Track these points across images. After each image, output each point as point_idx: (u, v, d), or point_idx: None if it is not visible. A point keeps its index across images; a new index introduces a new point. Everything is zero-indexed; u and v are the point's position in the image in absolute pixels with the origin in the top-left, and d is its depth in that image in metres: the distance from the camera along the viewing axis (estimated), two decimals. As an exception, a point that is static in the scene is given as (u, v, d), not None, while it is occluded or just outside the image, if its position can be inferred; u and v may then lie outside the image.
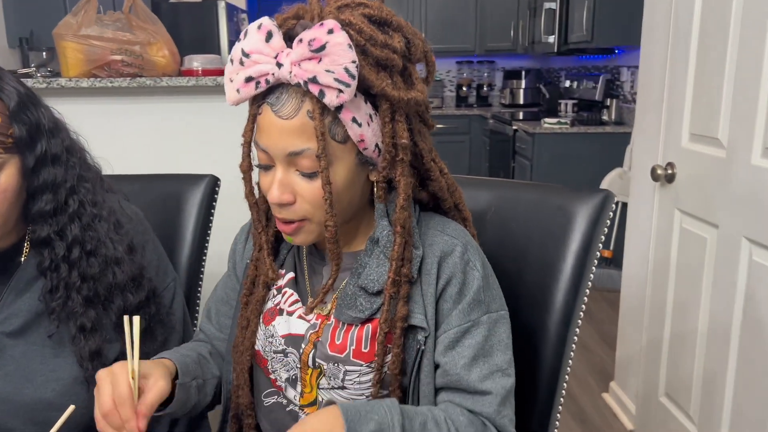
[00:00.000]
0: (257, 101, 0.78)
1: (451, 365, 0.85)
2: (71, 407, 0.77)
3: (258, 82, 0.75)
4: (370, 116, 0.78)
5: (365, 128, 0.78)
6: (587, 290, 1.07)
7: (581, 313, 1.07)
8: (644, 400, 2.15)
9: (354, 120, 0.76)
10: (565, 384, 1.07)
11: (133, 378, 0.74)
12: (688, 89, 1.82)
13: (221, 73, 2.17)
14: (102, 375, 0.77)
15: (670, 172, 1.91)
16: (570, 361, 1.08)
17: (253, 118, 0.79)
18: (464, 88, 5.67)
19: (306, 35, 0.72)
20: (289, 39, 0.76)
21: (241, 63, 0.75)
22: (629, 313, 2.29)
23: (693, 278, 1.83)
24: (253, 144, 0.81)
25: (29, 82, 2.08)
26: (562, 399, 1.08)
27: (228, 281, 1.03)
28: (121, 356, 0.84)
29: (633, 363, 2.27)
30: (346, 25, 0.74)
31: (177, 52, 2.18)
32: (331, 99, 0.73)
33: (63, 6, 3.29)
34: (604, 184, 3.47)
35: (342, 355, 0.85)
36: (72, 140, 0.96)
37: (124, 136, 2.17)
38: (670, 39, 1.93)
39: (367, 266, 0.86)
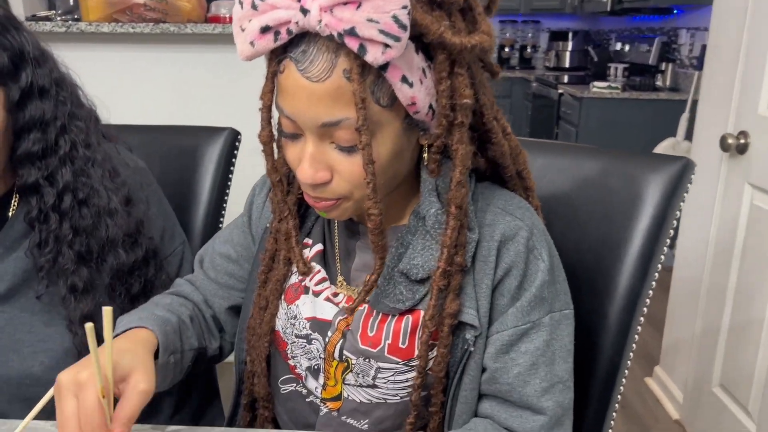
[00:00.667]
0: (277, 55, 0.62)
1: (503, 373, 0.71)
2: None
3: (277, 33, 0.58)
4: (423, 71, 0.62)
5: (417, 88, 0.61)
6: (656, 274, 0.92)
7: (647, 300, 0.92)
8: (694, 389, 1.99)
9: (404, 79, 0.60)
10: (623, 380, 0.93)
11: (104, 396, 0.58)
12: (770, 48, 1.61)
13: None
14: (64, 385, 0.59)
15: (742, 141, 1.70)
16: (631, 354, 0.93)
17: (272, 77, 0.63)
18: (506, 49, 5.41)
19: None
20: None
21: (254, 7, 0.58)
22: (682, 295, 2.12)
23: (762, 261, 1.64)
24: (275, 108, 0.65)
25: (47, 26, 1.97)
26: (619, 397, 0.94)
27: (237, 234, 0.88)
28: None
29: (682, 348, 2.11)
30: None
31: (203, -4, 2.04)
32: (374, 56, 0.56)
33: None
34: (656, 155, 3.25)
35: (375, 350, 0.71)
36: (62, 73, 0.84)
37: (143, 85, 2.04)
38: (752, -9, 1.71)
39: (410, 248, 0.71)
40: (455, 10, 0.62)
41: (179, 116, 1.84)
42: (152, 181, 0.95)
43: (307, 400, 0.79)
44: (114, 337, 0.70)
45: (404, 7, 0.55)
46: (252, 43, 0.60)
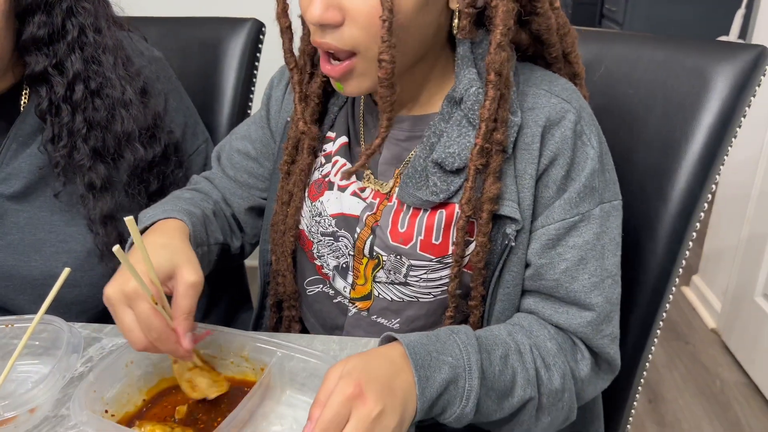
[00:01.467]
0: None
1: (549, 268, 0.65)
2: (66, 270, 0.62)
3: None
4: None
5: None
6: (717, 176, 0.85)
7: (705, 205, 0.85)
8: (735, 298, 1.94)
9: None
10: (673, 289, 0.88)
11: (156, 303, 0.56)
12: None
13: None
14: (114, 298, 0.57)
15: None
16: (683, 261, 0.88)
17: None
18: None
19: None
20: None
21: None
22: (727, 202, 2.02)
23: (822, 166, 1.54)
24: None
25: None
26: (667, 306, 0.90)
27: (255, 130, 0.83)
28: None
29: (724, 257, 2.04)
30: None
31: None
32: None
33: None
34: (706, 55, 3.04)
35: (407, 247, 0.67)
36: None
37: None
38: None
39: (445, 134, 0.65)
40: None
41: (198, 6, 1.74)
42: (171, 74, 0.89)
43: (335, 301, 0.76)
44: (142, 231, 0.67)
45: None
46: None
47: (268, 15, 1.12)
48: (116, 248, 0.53)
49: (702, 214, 0.85)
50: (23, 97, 0.79)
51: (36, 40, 0.72)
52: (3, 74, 0.75)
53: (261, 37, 1.09)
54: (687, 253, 0.86)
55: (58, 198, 0.78)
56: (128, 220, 0.54)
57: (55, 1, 0.73)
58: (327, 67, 0.62)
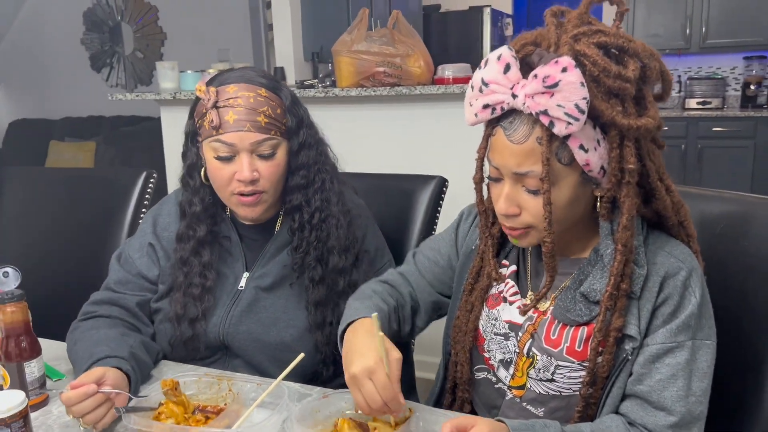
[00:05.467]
0: (492, 123, 0.87)
1: (647, 377, 0.86)
2: (301, 354, 0.96)
3: (494, 109, 0.84)
4: (598, 141, 0.83)
5: (591, 153, 0.82)
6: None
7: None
8: None
9: (581, 147, 0.82)
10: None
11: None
12: None
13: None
14: (359, 374, 0.84)
15: None
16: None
17: (487, 138, 0.89)
18: (752, 87, 4.99)
19: (541, 72, 0.78)
20: (526, 65, 0.83)
21: (480, 90, 0.84)
22: None
23: None
24: (486, 159, 0.91)
25: (311, 92, 2.48)
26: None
27: (444, 246, 1.12)
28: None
29: None
30: (580, 56, 0.78)
31: (431, 62, 2.39)
32: (560, 129, 0.79)
33: (347, 26, 3.77)
34: None
35: (556, 350, 0.91)
36: (320, 135, 1.21)
37: (381, 137, 2.45)
38: None
39: (590, 276, 0.90)
40: (628, 98, 0.82)
41: (403, 163, 2.19)
42: (369, 215, 1.28)
43: (496, 386, 1.00)
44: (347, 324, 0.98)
45: (584, 98, 0.77)
46: (476, 114, 0.86)
47: (450, 173, 1.49)
48: (374, 315, 0.86)
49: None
50: (278, 223, 1.22)
51: (299, 186, 1.16)
52: (272, 206, 1.18)
53: (444, 189, 1.45)
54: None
55: (291, 287, 1.17)
56: (374, 316, 0.87)
57: (312, 164, 1.16)
58: (508, 231, 0.92)
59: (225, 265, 1.19)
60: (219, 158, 1.09)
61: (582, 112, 0.77)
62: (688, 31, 4.89)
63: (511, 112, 0.83)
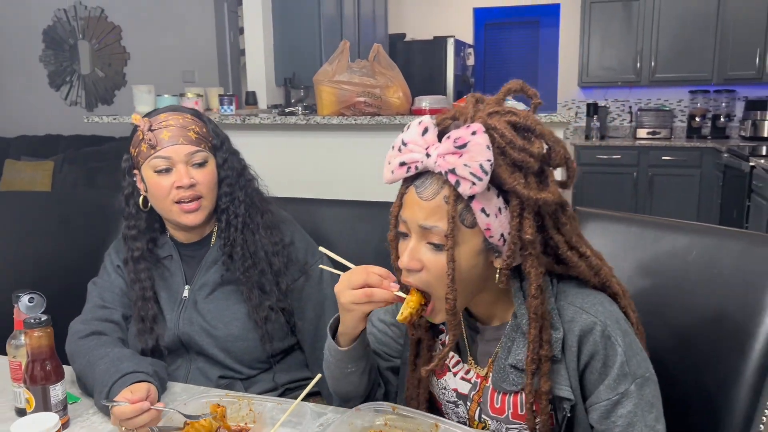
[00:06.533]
0: (406, 182, 0.91)
1: (608, 430, 0.92)
2: (319, 375, 1.02)
3: (409, 167, 0.88)
4: (500, 209, 0.87)
5: (492, 219, 0.86)
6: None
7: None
8: None
9: (483, 210, 0.86)
10: (761, 434, 1.08)
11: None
12: None
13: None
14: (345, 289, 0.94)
15: None
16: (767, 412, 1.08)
17: (401, 196, 0.93)
18: (697, 119, 5.31)
19: (453, 134, 0.85)
20: (443, 134, 0.88)
21: (399, 150, 0.89)
22: None
23: None
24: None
25: (293, 119, 2.55)
26: (756, 449, 1.09)
27: (386, 313, 1.15)
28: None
29: None
30: (491, 129, 0.84)
31: (409, 93, 2.50)
32: (464, 189, 0.83)
33: (319, 54, 3.87)
34: None
35: (502, 417, 0.98)
36: (243, 162, 1.36)
37: (360, 164, 2.53)
38: None
39: (515, 343, 0.94)
40: (531, 173, 0.86)
41: (387, 189, 2.28)
42: (296, 225, 1.40)
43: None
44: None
45: (488, 160, 0.82)
46: (392, 172, 0.90)
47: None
48: (321, 248, 0.99)
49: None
50: (212, 239, 1.34)
51: (225, 193, 1.30)
52: (206, 223, 1.31)
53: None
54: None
55: (227, 286, 1.31)
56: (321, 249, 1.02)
57: (236, 177, 1.31)
58: (408, 284, 0.92)
59: (165, 283, 1.33)
60: (158, 171, 1.24)
61: (485, 172, 0.82)
62: (638, 65, 5.18)
63: (425, 172, 0.88)
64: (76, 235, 1.72)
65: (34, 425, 0.89)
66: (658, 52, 5.13)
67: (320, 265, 1.10)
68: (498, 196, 0.87)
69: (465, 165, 0.83)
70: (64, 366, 1.05)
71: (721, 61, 4.99)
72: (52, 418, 0.91)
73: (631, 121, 5.58)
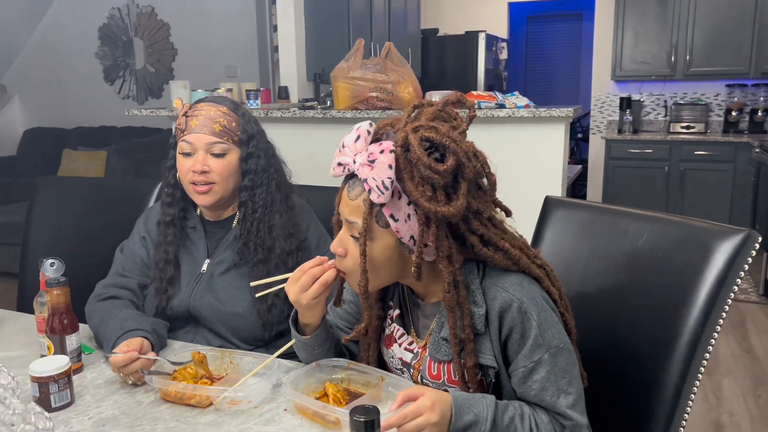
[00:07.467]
0: (345, 180, 1.03)
1: (526, 393, 1.05)
2: (293, 340, 1.18)
3: (343, 168, 1.00)
4: (409, 215, 0.97)
5: (402, 223, 0.97)
6: (720, 320, 1.17)
7: (713, 340, 1.17)
8: None
9: (392, 216, 0.97)
10: (690, 403, 1.19)
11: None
12: None
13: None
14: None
15: None
16: (697, 383, 1.19)
17: (340, 190, 1.04)
18: (734, 113, 5.23)
19: (371, 147, 0.96)
20: (377, 140, 0.98)
21: (340, 150, 1.00)
22: None
23: None
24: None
25: (311, 113, 2.73)
26: (686, 416, 1.20)
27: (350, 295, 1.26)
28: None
29: None
30: (407, 143, 0.94)
31: (420, 88, 2.63)
32: (374, 197, 0.95)
33: (347, 50, 4.02)
34: None
35: (440, 381, 1.11)
36: (274, 151, 1.49)
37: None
38: None
39: (446, 319, 1.05)
40: (439, 187, 0.95)
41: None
42: (311, 211, 1.53)
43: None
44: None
45: (389, 178, 0.93)
46: (333, 169, 1.02)
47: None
48: (252, 283, 1.21)
49: (710, 347, 1.17)
50: (235, 221, 1.48)
51: (246, 187, 1.42)
52: (227, 203, 1.46)
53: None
54: (699, 377, 1.17)
55: (241, 270, 1.44)
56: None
57: (260, 171, 1.43)
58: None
59: (188, 252, 1.47)
60: (182, 154, 1.40)
61: (386, 188, 0.93)
62: (673, 58, 5.14)
63: (354, 174, 0.99)
64: (113, 217, 1.92)
65: (48, 364, 1.09)
66: (693, 45, 5.08)
67: (251, 283, 1.25)
68: (409, 204, 0.97)
69: (374, 178, 0.95)
70: (81, 324, 1.25)
71: (759, 54, 4.91)
72: (63, 359, 1.11)
73: (666, 115, 5.53)
